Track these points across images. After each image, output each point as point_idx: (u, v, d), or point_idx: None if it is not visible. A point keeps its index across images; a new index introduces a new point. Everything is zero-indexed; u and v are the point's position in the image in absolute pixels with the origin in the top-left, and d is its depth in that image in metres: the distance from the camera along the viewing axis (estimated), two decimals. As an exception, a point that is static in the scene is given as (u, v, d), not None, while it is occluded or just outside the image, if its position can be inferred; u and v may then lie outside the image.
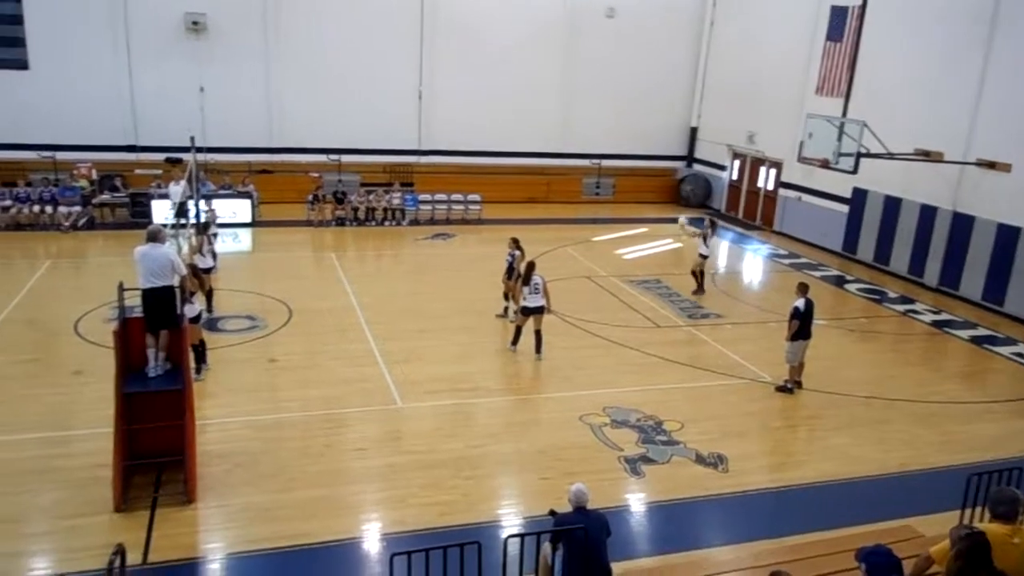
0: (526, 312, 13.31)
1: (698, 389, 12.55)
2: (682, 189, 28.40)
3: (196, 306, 11.68)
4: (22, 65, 22.20)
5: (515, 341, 13.55)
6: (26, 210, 20.32)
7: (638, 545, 8.47)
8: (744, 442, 10.87)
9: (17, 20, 21.93)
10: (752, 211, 26.32)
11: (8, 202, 20.34)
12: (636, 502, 9.31)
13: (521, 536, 6.77)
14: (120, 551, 6.20)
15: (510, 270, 14.74)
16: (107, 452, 8.60)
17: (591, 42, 26.74)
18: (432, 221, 23.63)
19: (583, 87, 27.05)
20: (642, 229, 23.89)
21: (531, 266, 13.38)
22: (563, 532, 6.59)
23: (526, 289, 13.18)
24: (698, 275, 17.58)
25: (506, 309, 14.87)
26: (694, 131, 28.97)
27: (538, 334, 13.33)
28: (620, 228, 23.93)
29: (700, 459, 10.26)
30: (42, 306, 14.78)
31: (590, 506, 6.85)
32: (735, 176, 27.27)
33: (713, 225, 18.13)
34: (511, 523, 8.63)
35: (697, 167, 29.01)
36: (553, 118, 27.09)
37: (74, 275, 17.37)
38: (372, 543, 8.28)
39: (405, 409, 11.31)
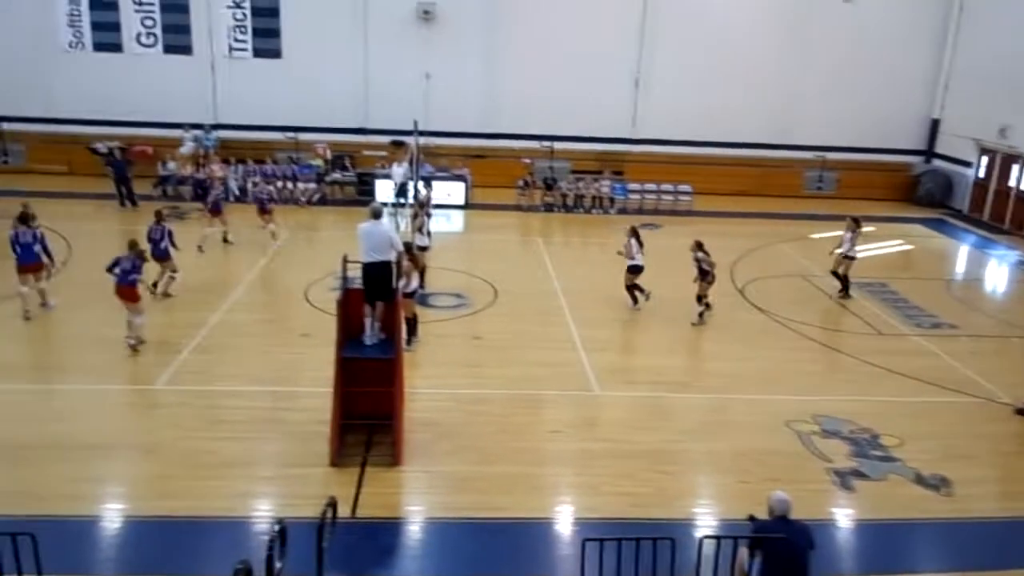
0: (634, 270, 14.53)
1: (922, 404, 11.48)
2: (920, 186, 26.04)
3: (412, 282, 12.32)
4: (276, 54, 24.51)
5: (638, 298, 14.61)
6: (270, 185, 22.46)
7: (843, 561, 7.92)
8: (972, 466, 9.81)
9: (274, 12, 24.23)
10: (1000, 214, 23.62)
11: (257, 178, 22.58)
12: (844, 517, 8.70)
13: (718, 538, 6.51)
14: (333, 503, 6.68)
15: (703, 272, 14.18)
16: (326, 410, 9.30)
17: (822, 25, 25.06)
18: (640, 211, 23.33)
19: (809, 73, 25.42)
20: (869, 228, 22.07)
21: (635, 230, 14.68)
22: (763, 539, 6.28)
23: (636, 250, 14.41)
24: (840, 276, 16.14)
25: (701, 315, 14.26)
26: (935, 123, 26.43)
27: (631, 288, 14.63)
28: (843, 226, 22.28)
29: (920, 479, 9.39)
30: (280, 272, 16.31)
31: (792, 516, 6.48)
32: (982, 174, 24.59)
33: (856, 223, 16.33)
34: (705, 523, 8.38)
35: (937, 162, 26.48)
36: (774, 106, 25.68)
37: (307, 246, 18.95)
38: (565, 525, 8.35)
39: (602, 397, 11.30)
